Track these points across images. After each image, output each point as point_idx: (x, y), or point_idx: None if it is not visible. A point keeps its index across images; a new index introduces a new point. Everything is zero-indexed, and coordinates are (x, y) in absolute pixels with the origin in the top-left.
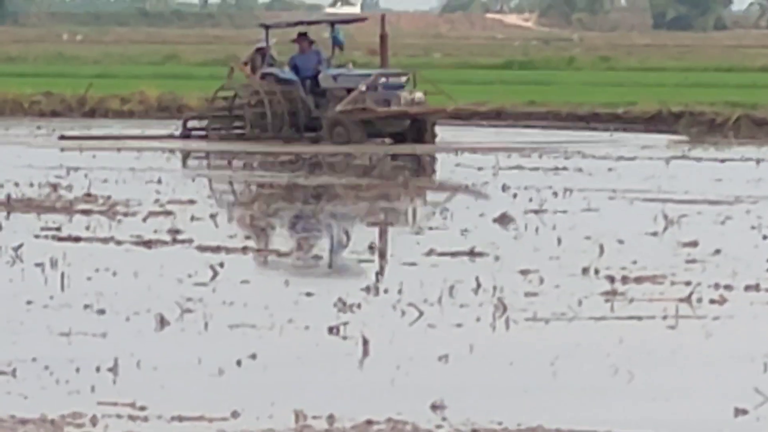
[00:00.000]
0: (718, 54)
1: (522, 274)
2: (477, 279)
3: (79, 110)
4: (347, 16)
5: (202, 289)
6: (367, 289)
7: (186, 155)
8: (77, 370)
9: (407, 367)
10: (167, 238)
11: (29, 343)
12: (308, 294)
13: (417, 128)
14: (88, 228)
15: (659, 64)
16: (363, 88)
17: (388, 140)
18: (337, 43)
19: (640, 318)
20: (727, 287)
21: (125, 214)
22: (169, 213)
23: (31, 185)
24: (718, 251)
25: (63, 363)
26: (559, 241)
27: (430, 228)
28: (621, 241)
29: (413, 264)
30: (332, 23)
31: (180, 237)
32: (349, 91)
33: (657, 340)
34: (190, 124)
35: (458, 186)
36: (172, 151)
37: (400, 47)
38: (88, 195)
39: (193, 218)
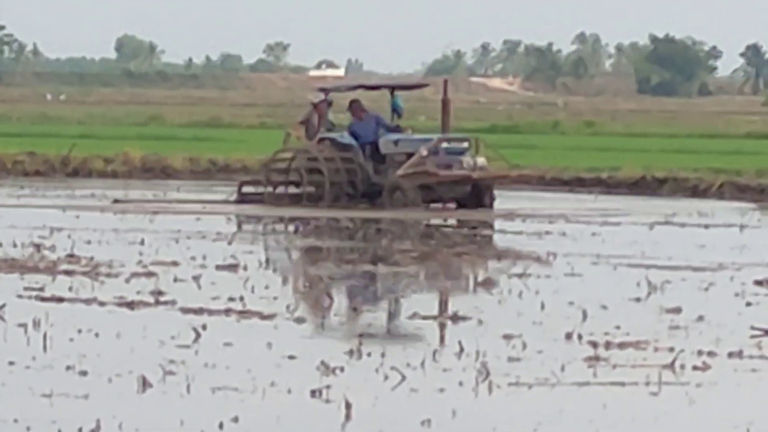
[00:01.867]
0: (702, 120)
1: (505, 339)
2: (460, 343)
3: (62, 170)
4: (408, 82)
5: (184, 351)
6: (350, 353)
7: (241, 220)
8: (59, 431)
9: (390, 431)
10: (150, 299)
11: (11, 404)
12: (291, 357)
13: (477, 195)
14: (71, 289)
15: (643, 129)
16: (424, 152)
17: (451, 205)
18: (396, 108)
19: (623, 384)
20: (711, 354)
21: (108, 275)
22: (152, 274)
23: (15, 245)
24: (701, 318)
25: (45, 424)
26: (543, 305)
27: (413, 291)
28: (604, 307)
29: (397, 327)
30: (392, 88)
31: (163, 298)
32: (410, 156)
33: (640, 406)
34: (245, 189)
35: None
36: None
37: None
38: (71, 256)
39: (176, 279)
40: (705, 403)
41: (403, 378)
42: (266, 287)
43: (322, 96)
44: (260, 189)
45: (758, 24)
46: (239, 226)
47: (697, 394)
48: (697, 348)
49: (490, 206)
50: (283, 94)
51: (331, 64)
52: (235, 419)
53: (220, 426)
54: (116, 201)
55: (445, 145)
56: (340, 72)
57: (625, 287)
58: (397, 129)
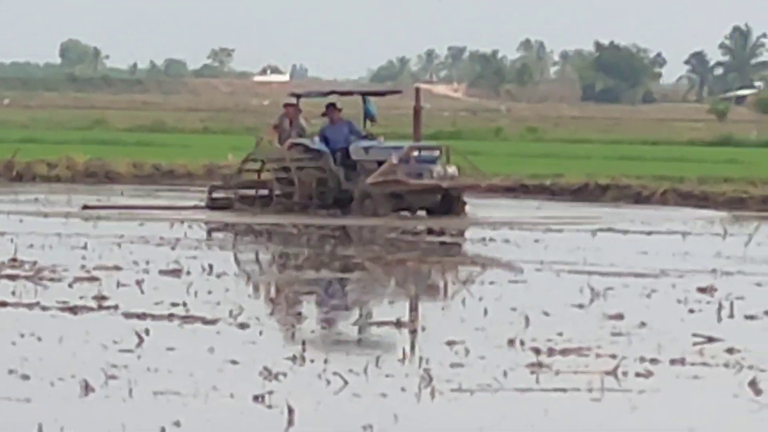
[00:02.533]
0: (645, 127)
1: (448, 345)
2: (403, 349)
3: (6, 175)
4: (381, 88)
5: (127, 356)
6: (293, 358)
7: (210, 226)
8: None
9: None
10: (93, 304)
11: None
12: (233, 362)
13: (447, 204)
14: (13, 293)
15: (587, 136)
16: (395, 160)
17: (420, 213)
18: (368, 115)
19: (565, 390)
20: (653, 361)
21: (51, 280)
22: (95, 279)
23: None
24: (643, 324)
25: None
26: (486, 312)
27: (357, 298)
28: (547, 313)
29: (339, 333)
30: (364, 95)
31: (106, 303)
32: (381, 163)
33: (582, 412)
34: (216, 194)
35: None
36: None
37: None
38: (14, 260)
39: (119, 284)
40: (647, 410)
41: (346, 383)
42: (209, 292)
43: (293, 100)
44: (230, 194)
45: (702, 32)
46: (209, 233)
47: (640, 401)
48: (639, 355)
49: (461, 216)
50: (228, 99)
51: (275, 70)
52: (177, 424)
53: (162, 430)
54: (85, 207)
55: (416, 153)
56: (285, 78)
57: (568, 294)
58: (369, 136)
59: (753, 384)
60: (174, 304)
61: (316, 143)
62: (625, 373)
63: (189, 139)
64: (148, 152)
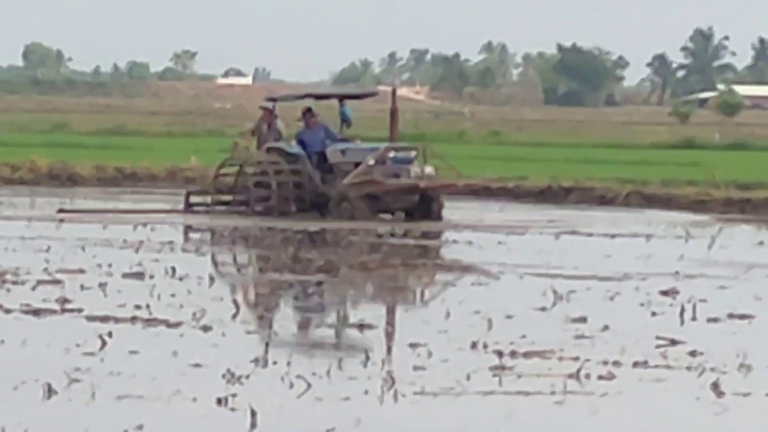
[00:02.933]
0: (608, 130)
1: (411, 348)
2: (366, 352)
3: None
4: (357, 91)
5: (90, 359)
6: (256, 361)
7: (187, 229)
8: None
9: None
10: (56, 307)
11: None
12: (196, 365)
13: (425, 204)
14: None
15: (550, 139)
16: (371, 161)
17: (399, 215)
18: (344, 118)
19: (528, 393)
20: (616, 363)
21: (14, 283)
22: (58, 282)
23: None
24: (606, 327)
25: None
26: (448, 314)
27: (319, 300)
28: (510, 316)
29: (303, 336)
30: (341, 98)
31: (69, 306)
32: (357, 165)
33: (545, 415)
34: (193, 199)
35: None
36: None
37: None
38: None
39: (82, 287)
40: (610, 413)
41: (309, 386)
42: (172, 295)
43: (270, 104)
44: (207, 199)
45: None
46: (186, 235)
47: (602, 404)
48: (602, 358)
49: (438, 217)
50: (191, 102)
51: (238, 73)
52: (140, 427)
53: None
54: (61, 210)
55: (392, 154)
56: (248, 80)
57: (531, 296)
58: (345, 140)
59: (715, 386)
60: (137, 307)
61: (293, 147)
62: (587, 376)
63: (152, 142)
64: (111, 155)
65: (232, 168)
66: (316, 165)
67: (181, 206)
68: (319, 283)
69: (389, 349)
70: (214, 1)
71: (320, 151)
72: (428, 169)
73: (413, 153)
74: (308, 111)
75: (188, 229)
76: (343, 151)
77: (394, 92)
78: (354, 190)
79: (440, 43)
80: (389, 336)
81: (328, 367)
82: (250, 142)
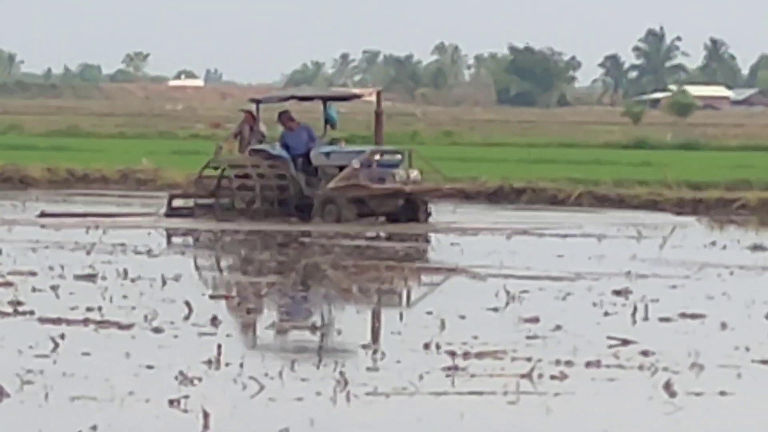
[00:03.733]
0: (561, 130)
1: (363, 349)
2: (318, 353)
3: None
4: (341, 93)
5: (42, 361)
6: (209, 362)
7: (170, 233)
8: None
9: None
10: (8, 309)
11: None
12: (149, 366)
13: (411, 208)
14: None
15: (502, 139)
16: (356, 165)
17: (381, 219)
18: (329, 120)
19: (480, 393)
20: (568, 363)
21: None
22: (9, 284)
23: None
24: (559, 327)
25: None
26: (401, 315)
27: (272, 301)
28: (462, 317)
29: (255, 337)
30: (325, 99)
31: (21, 308)
32: (342, 168)
33: (498, 415)
34: (176, 202)
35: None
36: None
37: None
38: None
39: (34, 289)
40: (562, 413)
41: (262, 387)
42: (124, 297)
43: (253, 106)
44: (190, 203)
45: (617, 35)
46: (168, 239)
47: (555, 404)
48: (554, 357)
49: (425, 221)
50: (142, 103)
51: (190, 75)
52: (94, 428)
53: None
54: (43, 214)
55: (377, 157)
56: (199, 82)
57: (484, 297)
58: (332, 141)
59: (667, 386)
60: (89, 309)
61: (277, 149)
62: (540, 376)
63: (104, 144)
64: (63, 157)
65: (215, 171)
66: (300, 168)
67: (163, 210)
68: (272, 285)
69: (342, 351)
70: (165, 3)
71: (304, 154)
72: (413, 173)
73: (398, 156)
74: (284, 113)
75: (170, 232)
76: (327, 154)
77: (379, 94)
78: (339, 193)
79: (392, 44)
80: (342, 337)
81: (281, 369)
82: (233, 146)
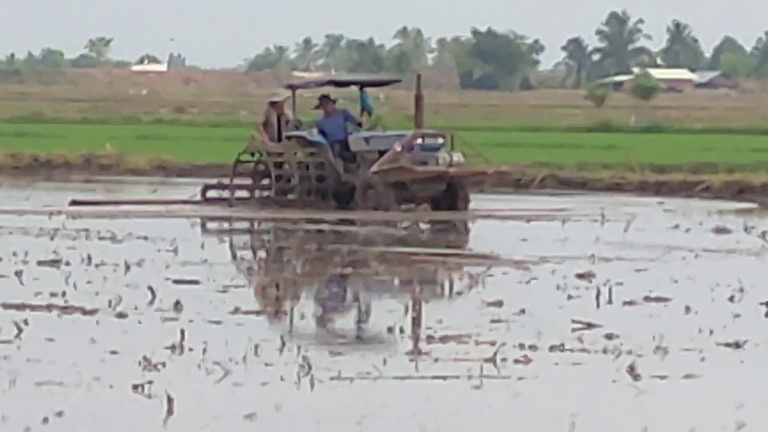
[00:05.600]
0: (524, 114)
1: (327, 333)
2: (282, 337)
3: None
4: (379, 78)
5: (6, 347)
6: (173, 348)
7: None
8: None
9: (213, 426)
10: None
11: None
12: (113, 352)
13: (452, 194)
14: None
15: (466, 123)
16: (398, 148)
17: (425, 206)
18: (365, 106)
19: (444, 378)
20: (532, 347)
21: None
22: None
23: None
24: (523, 311)
25: None
26: (364, 300)
27: (236, 286)
28: (426, 301)
29: (219, 322)
30: (362, 85)
31: None
32: (382, 154)
33: (462, 399)
34: (210, 193)
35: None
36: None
37: (207, 105)
38: None
39: None
40: (527, 396)
41: (226, 372)
42: (88, 282)
43: (281, 95)
44: (224, 193)
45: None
46: (203, 226)
47: (519, 388)
48: (518, 341)
49: (465, 207)
50: (106, 89)
51: (153, 59)
52: (60, 414)
53: (45, 421)
54: (74, 202)
55: (419, 141)
56: (163, 67)
57: (447, 281)
58: (371, 128)
59: (631, 369)
60: (53, 295)
61: (315, 135)
62: (504, 360)
63: (67, 129)
64: (27, 143)
65: (250, 160)
66: (338, 153)
67: (198, 198)
68: (237, 270)
69: (305, 335)
70: None
71: (342, 139)
72: (456, 156)
73: (441, 140)
74: (325, 97)
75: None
76: (367, 139)
77: (419, 78)
78: (381, 177)
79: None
80: (305, 321)
81: (245, 353)
82: (265, 137)
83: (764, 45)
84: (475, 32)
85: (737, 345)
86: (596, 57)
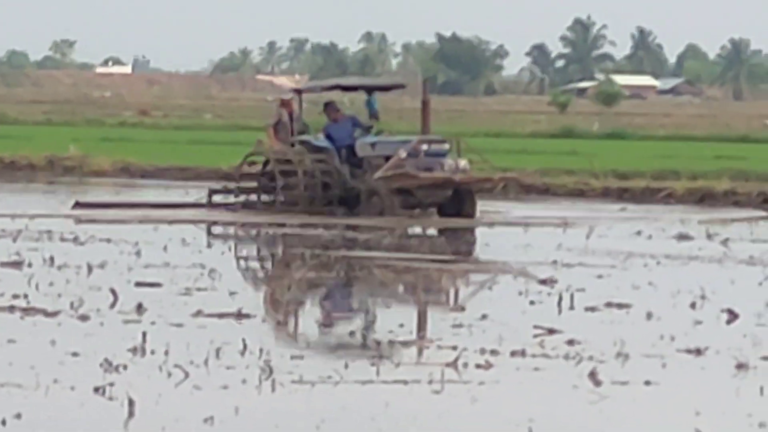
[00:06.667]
0: (488, 119)
1: (288, 337)
2: (244, 341)
3: None
4: (386, 82)
5: None
6: (134, 350)
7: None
8: None
9: (173, 428)
10: None
11: None
12: (74, 354)
13: (459, 199)
14: None
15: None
16: (403, 154)
17: (430, 211)
18: (371, 110)
19: (406, 382)
20: (494, 352)
21: None
22: None
23: None
24: (484, 316)
25: None
26: (327, 305)
27: (198, 289)
28: (388, 306)
29: (180, 325)
30: (369, 89)
31: None
32: (388, 159)
33: (423, 404)
34: (215, 198)
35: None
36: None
37: (171, 108)
38: None
39: None
40: (487, 401)
41: (187, 375)
42: (50, 284)
43: (289, 95)
44: (231, 198)
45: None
46: (209, 230)
47: (480, 393)
48: (480, 346)
49: (473, 215)
50: (70, 90)
51: (117, 62)
52: (18, 416)
53: (3, 423)
54: (77, 204)
55: (424, 147)
56: (127, 69)
57: (410, 286)
58: (376, 133)
59: (592, 375)
60: (15, 296)
61: (321, 140)
62: (465, 365)
63: (31, 131)
64: None
65: (257, 163)
66: (344, 159)
67: (204, 201)
68: (200, 273)
69: (267, 339)
70: None
71: (349, 145)
72: (462, 163)
73: (446, 146)
74: (330, 104)
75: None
76: (372, 145)
77: (425, 83)
78: (385, 184)
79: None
80: (267, 325)
81: (206, 357)
82: (274, 142)
83: (728, 53)
84: (439, 37)
85: (698, 352)
86: (560, 63)
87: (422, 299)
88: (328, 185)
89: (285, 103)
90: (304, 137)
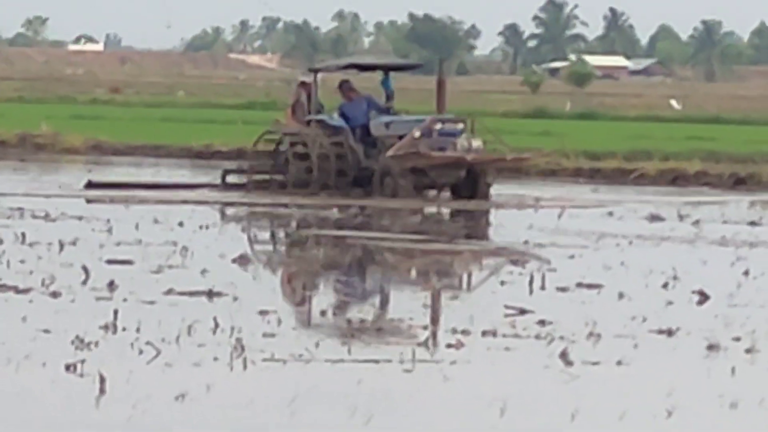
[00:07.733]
0: (460, 99)
1: (260, 315)
2: (215, 319)
3: None
4: (402, 62)
5: None
6: (105, 327)
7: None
8: None
9: (144, 405)
10: None
11: None
12: (46, 331)
13: (472, 180)
14: None
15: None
16: (417, 133)
17: (445, 193)
18: (386, 90)
19: (377, 361)
20: (465, 332)
21: None
22: None
23: None
24: (455, 297)
25: None
26: (300, 283)
27: (170, 267)
28: (360, 285)
29: (152, 302)
30: (386, 69)
31: None
32: (402, 138)
33: (394, 383)
34: (229, 178)
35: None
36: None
37: (143, 86)
38: None
39: None
40: (458, 381)
41: (158, 353)
42: (22, 261)
43: (309, 76)
44: (243, 178)
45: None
46: (222, 213)
47: (451, 372)
48: (451, 326)
49: (486, 195)
50: (42, 68)
51: (90, 39)
52: None
53: None
54: (90, 184)
55: (438, 126)
56: (99, 47)
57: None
58: (389, 110)
59: (564, 355)
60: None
61: (335, 119)
62: (436, 345)
63: (3, 108)
64: None
65: (271, 142)
66: (359, 138)
67: (218, 182)
68: (171, 251)
69: (238, 316)
70: None
71: (363, 124)
72: (476, 143)
73: (460, 125)
74: (345, 83)
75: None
76: (387, 124)
77: (441, 63)
78: (398, 163)
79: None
80: (239, 303)
81: (178, 334)
82: (288, 119)
83: (700, 33)
84: (411, 16)
85: (669, 332)
86: (532, 43)
87: (400, 279)
88: (342, 165)
89: (304, 84)
90: (319, 116)
